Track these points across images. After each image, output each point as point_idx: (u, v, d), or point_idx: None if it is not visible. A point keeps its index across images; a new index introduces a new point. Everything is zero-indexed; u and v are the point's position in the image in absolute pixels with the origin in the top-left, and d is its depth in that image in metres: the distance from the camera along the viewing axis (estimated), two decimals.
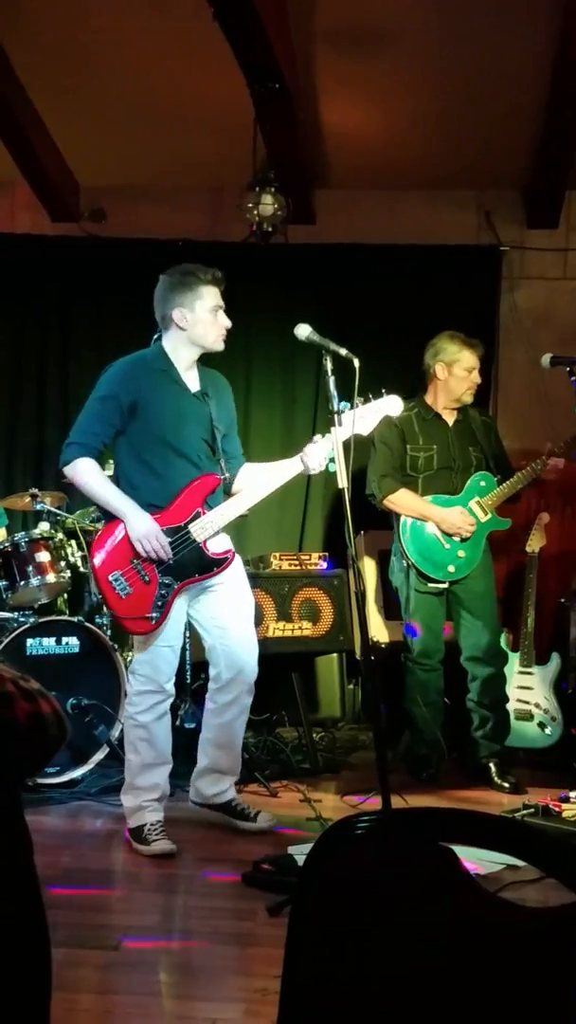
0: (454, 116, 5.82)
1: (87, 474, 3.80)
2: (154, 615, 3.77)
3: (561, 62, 5.06)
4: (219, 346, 3.92)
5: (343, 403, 3.79)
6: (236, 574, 3.97)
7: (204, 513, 3.83)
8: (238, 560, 3.99)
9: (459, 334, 4.97)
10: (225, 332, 3.91)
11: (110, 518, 3.83)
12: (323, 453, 3.83)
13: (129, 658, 5.21)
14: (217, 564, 3.85)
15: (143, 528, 3.72)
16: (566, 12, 4.72)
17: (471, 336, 5.00)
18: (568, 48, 4.93)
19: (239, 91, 5.23)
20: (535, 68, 5.27)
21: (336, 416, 3.62)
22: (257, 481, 3.93)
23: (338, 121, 5.91)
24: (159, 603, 3.77)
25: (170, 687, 3.93)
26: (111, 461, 4.03)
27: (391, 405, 3.97)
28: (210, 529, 3.82)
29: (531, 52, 5.18)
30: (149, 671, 3.86)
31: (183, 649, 4.37)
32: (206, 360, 4.02)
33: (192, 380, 3.93)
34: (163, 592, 3.77)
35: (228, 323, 3.90)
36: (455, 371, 4.91)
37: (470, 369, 4.92)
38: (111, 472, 3.97)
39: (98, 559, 3.80)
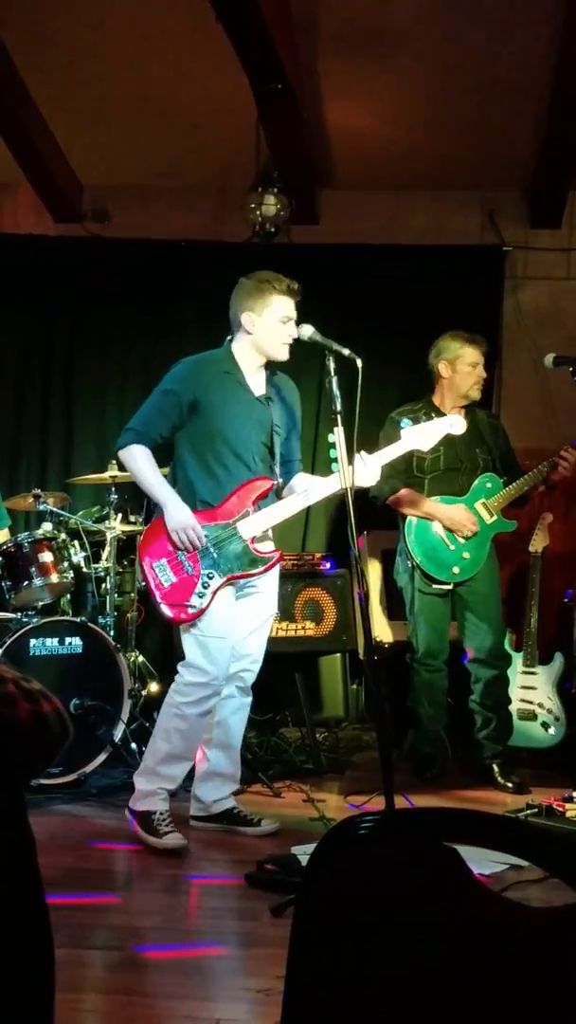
0: (457, 116, 5.81)
1: (139, 460, 3.89)
2: (194, 604, 3.83)
3: (564, 62, 5.05)
4: (282, 355, 3.93)
5: (404, 420, 3.85)
6: (274, 577, 4.04)
7: (253, 513, 3.89)
8: (273, 589, 4.05)
9: (461, 332, 4.97)
10: (291, 341, 3.90)
11: (161, 512, 3.91)
12: (374, 467, 3.88)
13: (132, 659, 5.23)
14: (263, 563, 3.91)
15: (180, 519, 3.81)
16: (568, 13, 4.72)
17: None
18: (571, 48, 4.92)
19: (242, 91, 5.23)
20: (538, 68, 5.26)
21: (338, 416, 3.62)
22: (308, 488, 3.97)
23: (341, 121, 5.91)
24: (200, 593, 3.83)
25: (223, 680, 3.95)
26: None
27: (453, 424, 4.07)
28: (258, 528, 3.89)
29: (534, 52, 5.18)
30: (203, 662, 3.88)
31: None
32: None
33: (257, 384, 3.97)
34: (205, 583, 3.84)
35: (295, 334, 3.88)
36: (459, 367, 4.91)
37: (474, 364, 4.92)
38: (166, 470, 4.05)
39: (146, 546, 3.92)
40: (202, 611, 3.83)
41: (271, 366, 4.00)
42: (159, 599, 3.88)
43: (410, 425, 4.00)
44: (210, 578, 3.83)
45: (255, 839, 4.00)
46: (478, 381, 4.95)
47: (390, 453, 3.99)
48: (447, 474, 4.93)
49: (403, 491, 4.91)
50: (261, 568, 3.90)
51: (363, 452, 3.82)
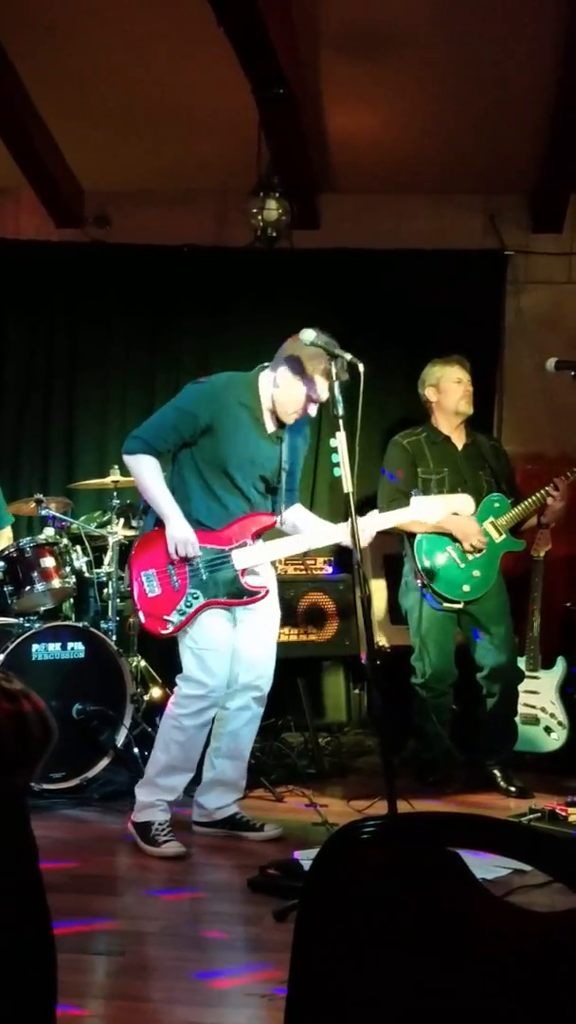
0: (459, 120, 5.82)
1: (148, 471, 3.92)
2: (174, 619, 3.87)
3: (567, 66, 5.05)
4: (288, 421, 3.95)
5: (414, 489, 3.91)
6: (272, 604, 4.06)
7: (251, 545, 3.92)
8: (273, 595, 4.06)
9: (438, 358, 5.08)
10: (302, 416, 3.93)
11: (160, 523, 3.92)
12: (373, 528, 3.88)
13: (134, 664, 5.23)
14: (248, 595, 3.94)
15: (182, 534, 3.85)
16: (572, 18, 4.72)
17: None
18: (574, 52, 4.92)
19: (244, 96, 5.23)
20: (541, 72, 5.26)
21: (340, 420, 3.62)
22: (305, 535, 4.03)
23: (343, 125, 5.92)
24: (181, 610, 3.87)
25: (221, 692, 3.96)
26: None
27: (463, 504, 4.18)
28: (251, 560, 3.92)
29: (537, 56, 5.18)
30: (200, 675, 3.90)
31: None
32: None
33: (271, 420, 3.99)
34: (188, 601, 3.88)
35: (312, 414, 3.95)
36: (443, 386, 5.02)
37: (458, 380, 5.02)
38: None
39: (138, 554, 3.96)
40: (178, 628, 3.88)
41: None
42: (139, 607, 3.94)
43: (420, 495, 4.18)
44: (195, 598, 3.88)
45: (258, 844, 4.00)
46: (464, 394, 5.02)
47: (394, 518, 4.06)
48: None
49: None
50: (245, 599, 3.94)
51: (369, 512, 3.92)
